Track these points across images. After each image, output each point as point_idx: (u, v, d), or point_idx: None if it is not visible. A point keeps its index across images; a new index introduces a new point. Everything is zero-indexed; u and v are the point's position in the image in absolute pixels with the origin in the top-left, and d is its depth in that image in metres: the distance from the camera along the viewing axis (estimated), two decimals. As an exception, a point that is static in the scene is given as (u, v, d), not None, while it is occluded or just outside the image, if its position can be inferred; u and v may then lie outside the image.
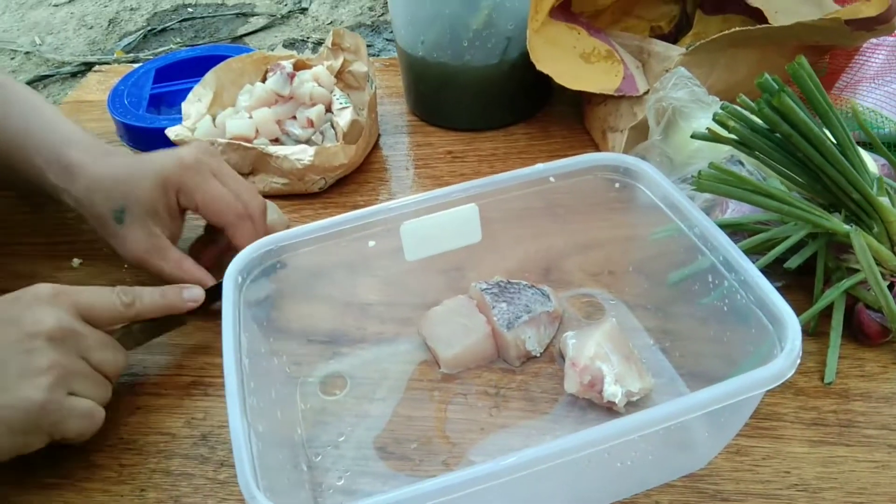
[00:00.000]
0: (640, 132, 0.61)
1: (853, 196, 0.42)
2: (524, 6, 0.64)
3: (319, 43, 1.61)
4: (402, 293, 0.52)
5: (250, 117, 0.67)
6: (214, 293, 0.51)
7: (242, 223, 0.52)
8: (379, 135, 0.75)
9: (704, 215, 0.42)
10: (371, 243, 0.46)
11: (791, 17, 0.64)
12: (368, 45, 1.56)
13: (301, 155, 0.63)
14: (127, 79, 0.80)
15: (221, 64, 0.72)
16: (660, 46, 0.64)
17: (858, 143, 0.58)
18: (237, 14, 1.70)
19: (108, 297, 0.46)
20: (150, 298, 0.48)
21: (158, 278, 0.52)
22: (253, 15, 1.70)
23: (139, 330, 0.49)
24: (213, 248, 0.57)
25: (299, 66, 0.72)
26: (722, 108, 0.45)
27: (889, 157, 0.49)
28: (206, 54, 0.84)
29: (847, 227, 0.43)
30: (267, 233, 0.49)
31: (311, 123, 0.68)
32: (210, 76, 0.71)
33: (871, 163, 0.48)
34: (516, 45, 0.68)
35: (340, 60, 0.74)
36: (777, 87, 0.41)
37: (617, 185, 0.48)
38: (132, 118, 0.74)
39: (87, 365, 0.43)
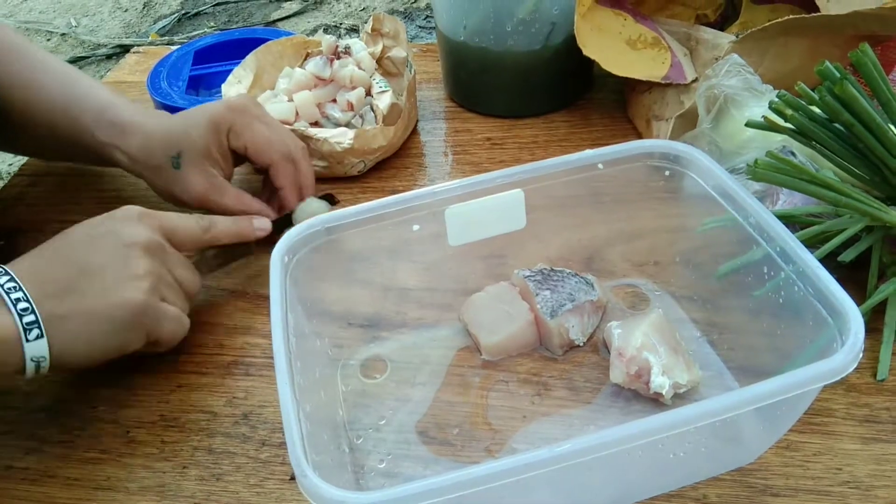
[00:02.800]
0: (687, 121, 0.60)
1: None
2: (571, -9, 0.62)
3: (353, 29, 1.61)
4: (443, 279, 0.51)
5: (290, 100, 0.67)
6: (277, 226, 0.56)
7: (286, 163, 0.57)
8: (417, 120, 0.74)
9: (760, 204, 0.41)
10: (415, 227, 0.46)
11: (845, 7, 0.62)
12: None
13: (341, 138, 0.63)
14: (165, 60, 0.81)
15: (261, 47, 0.72)
16: (708, 34, 0.63)
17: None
18: (270, 0, 1.70)
19: (188, 221, 0.51)
20: (224, 224, 0.53)
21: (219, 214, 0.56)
22: (286, 0, 1.70)
23: (213, 256, 0.55)
24: (264, 190, 0.61)
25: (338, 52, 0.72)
26: (778, 96, 0.44)
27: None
28: (244, 37, 0.84)
29: (908, 221, 0.41)
30: (307, 175, 0.58)
31: (350, 107, 0.67)
32: (250, 58, 0.71)
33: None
34: (561, 30, 0.66)
35: (380, 46, 0.74)
36: (839, 74, 0.40)
37: (667, 172, 0.47)
38: (172, 99, 0.74)
39: (173, 278, 0.48)
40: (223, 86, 0.69)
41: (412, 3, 1.78)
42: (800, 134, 0.43)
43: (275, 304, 0.39)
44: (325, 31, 1.59)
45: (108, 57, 1.71)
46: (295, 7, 1.67)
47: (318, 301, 0.48)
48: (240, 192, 0.58)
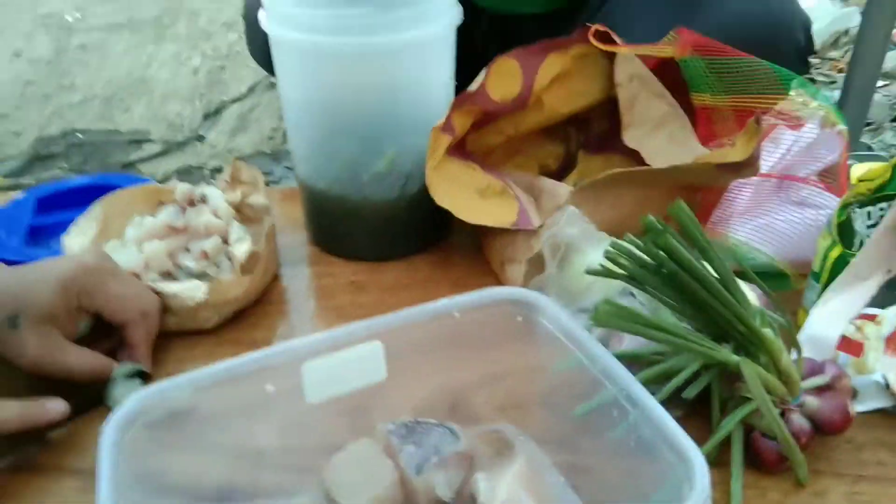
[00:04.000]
0: (538, 263, 0.63)
1: (739, 328, 0.44)
2: (424, 146, 0.66)
3: (217, 170, 1.60)
4: (303, 437, 0.49)
5: (140, 251, 0.64)
6: (83, 404, 0.53)
7: (140, 321, 0.57)
8: (279, 266, 0.73)
9: (603, 348, 0.43)
10: (269, 387, 0.44)
11: (665, 160, 0.70)
12: (268, 174, 1.57)
13: (193, 292, 0.60)
14: (3, 209, 0.76)
15: (109, 195, 0.69)
16: (549, 184, 0.68)
17: (735, 273, 0.62)
18: (130, 141, 1.67)
19: None
20: (7, 412, 0.48)
21: (59, 377, 0.53)
22: (147, 141, 1.68)
23: None
24: (106, 342, 0.58)
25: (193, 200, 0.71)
26: (612, 245, 0.47)
27: (762, 286, 0.53)
28: (93, 184, 0.80)
29: (736, 357, 0.45)
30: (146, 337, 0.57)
31: (205, 256, 0.65)
32: (96, 208, 0.68)
33: (751, 293, 0.52)
34: (415, 180, 0.70)
35: (239, 193, 0.73)
36: (661, 227, 0.44)
37: (519, 318, 0.49)
38: (7, 252, 0.69)
39: None
40: (64, 237, 0.65)
41: (280, 144, 1.82)
42: (633, 280, 0.47)
43: (104, 485, 0.35)
44: (189, 172, 1.57)
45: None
46: (156, 148, 1.65)
47: (159, 475, 0.43)
48: (82, 351, 0.55)
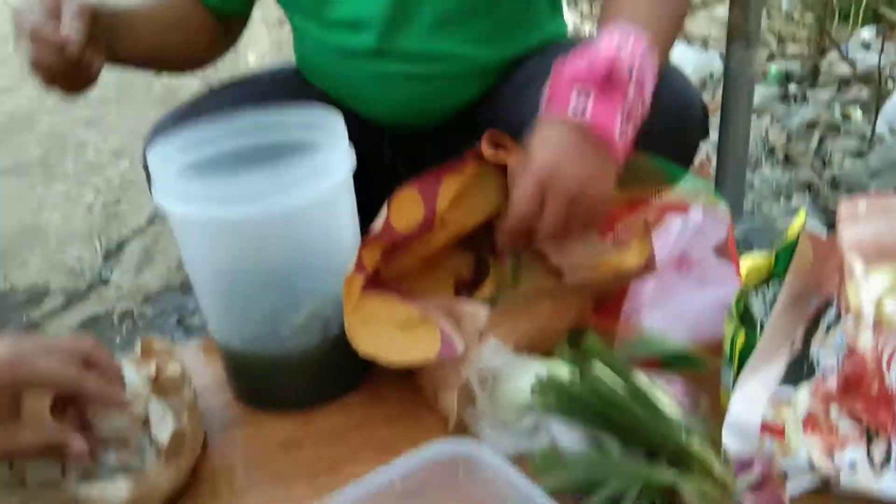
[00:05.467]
0: (468, 391, 0.63)
1: (670, 447, 0.46)
2: (340, 289, 0.66)
3: (126, 314, 1.54)
4: None
5: (53, 457, 0.60)
6: None
7: (90, 377, 0.55)
8: (205, 436, 0.70)
9: (540, 491, 0.43)
10: None
11: (568, 256, 0.73)
12: (180, 312, 1.52)
13: (116, 492, 0.57)
14: None
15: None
16: (467, 307, 0.69)
17: (652, 365, 0.65)
18: (28, 299, 1.59)
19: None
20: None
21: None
22: (47, 295, 1.60)
23: None
24: (72, 408, 0.57)
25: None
26: (538, 382, 0.48)
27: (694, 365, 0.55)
28: None
29: (673, 477, 0.46)
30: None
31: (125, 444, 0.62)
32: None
33: (667, 400, 0.54)
34: (335, 322, 0.69)
35: (153, 366, 0.71)
36: (581, 371, 0.45)
37: (461, 472, 0.49)
38: None
39: None
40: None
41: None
42: (564, 412, 0.48)
43: None
44: (96, 322, 1.51)
45: None
46: (59, 301, 1.58)
47: None
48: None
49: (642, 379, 0.52)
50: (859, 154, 1.74)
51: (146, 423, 0.65)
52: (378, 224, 0.69)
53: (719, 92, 2.42)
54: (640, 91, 0.65)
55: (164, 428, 0.63)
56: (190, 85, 2.86)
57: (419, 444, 0.64)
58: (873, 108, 1.93)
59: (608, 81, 0.63)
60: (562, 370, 0.53)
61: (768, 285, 0.61)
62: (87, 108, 2.74)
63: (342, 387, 0.73)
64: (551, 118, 0.66)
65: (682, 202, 0.75)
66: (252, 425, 0.71)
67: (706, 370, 0.68)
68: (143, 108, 2.69)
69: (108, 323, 1.52)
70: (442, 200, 0.74)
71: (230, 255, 0.64)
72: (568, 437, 0.54)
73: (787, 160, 1.85)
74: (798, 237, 0.60)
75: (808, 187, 1.68)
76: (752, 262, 0.61)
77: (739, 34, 1.13)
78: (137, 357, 0.71)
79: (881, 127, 1.86)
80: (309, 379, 0.71)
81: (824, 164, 1.77)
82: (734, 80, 1.22)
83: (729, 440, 0.55)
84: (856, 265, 0.54)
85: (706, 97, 2.47)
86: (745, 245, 0.83)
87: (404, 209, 0.71)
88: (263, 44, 3.34)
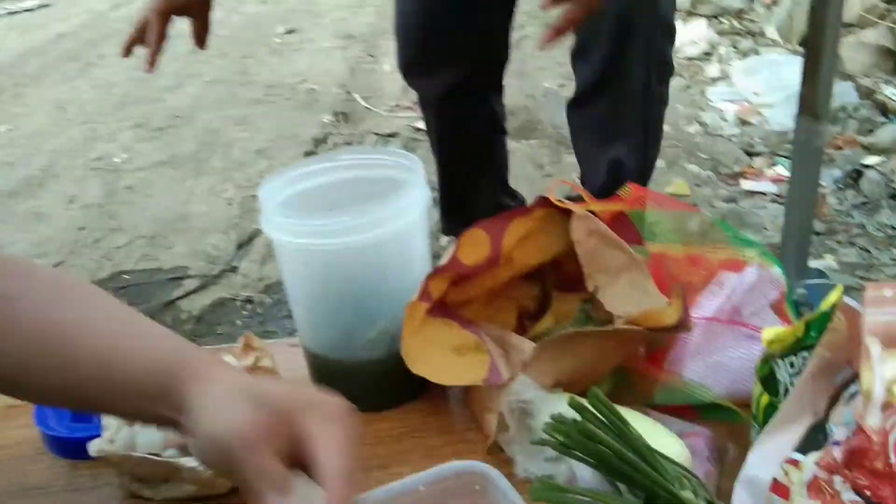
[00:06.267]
0: (504, 416, 0.71)
1: (662, 495, 0.51)
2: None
3: (248, 301, 1.73)
4: None
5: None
6: None
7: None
8: (287, 423, 0.82)
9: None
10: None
11: (626, 304, 0.78)
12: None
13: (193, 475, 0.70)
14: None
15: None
16: (516, 339, 0.76)
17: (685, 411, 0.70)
18: (171, 278, 1.83)
19: None
20: None
21: None
22: (186, 277, 1.84)
23: None
24: None
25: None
26: (547, 423, 0.55)
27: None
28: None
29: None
30: None
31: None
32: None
33: (678, 445, 0.59)
34: (401, 340, 0.79)
35: (252, 358, 0.84)
36: (582, 416, 0.52)
37: (477, 486, 0.57)
38: (55, 429, 0.79)
39: None
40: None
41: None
42: (569, 451, 0.54)
43: None
44: (223, 305, 1.71)
45: None
46: (195, 284, 1.80)
47: None
48: None
49: (650, 424, 0.57)
50: None
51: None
52: (444, 260, 0.78)
53: (849, 126, 2.30)
54: None
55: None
56: (330, 91, 3.10)
57: (461, 455, 0.74)
58: None
59: None
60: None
61: (796, 354, 0.63)
62: (238, 108, 3.04)
63: (403, 396, 0.83)
64: None
65: (739, 261, 0.79)
66: (326, 420, 0.82)
67: (739, 422, 0.71)
68: (286, 111, 2.95)
69: (233, 306, 1.72)
70: (508, 240, 0.82)
71: (319, 279, 0.76)
72: (584, 470, 0.60)
73: (912, 207, 1.74)
74: (832, 309, 0.62)
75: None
76: (773, 335, 0.64)
77: (809, 108, 1.11)
78: (240, 349, 0.85)
79: None
80: (375, 385, 0.81)
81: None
82: (801, 151, 1.19)
83: (739, 494, 0.60)
84: (873, 348, 0.56)
85: (835, 130, 2.33)
86: (805, 306, 0.84)
87: (472, 246, 0.80)
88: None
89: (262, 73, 3.38)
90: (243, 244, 2.01)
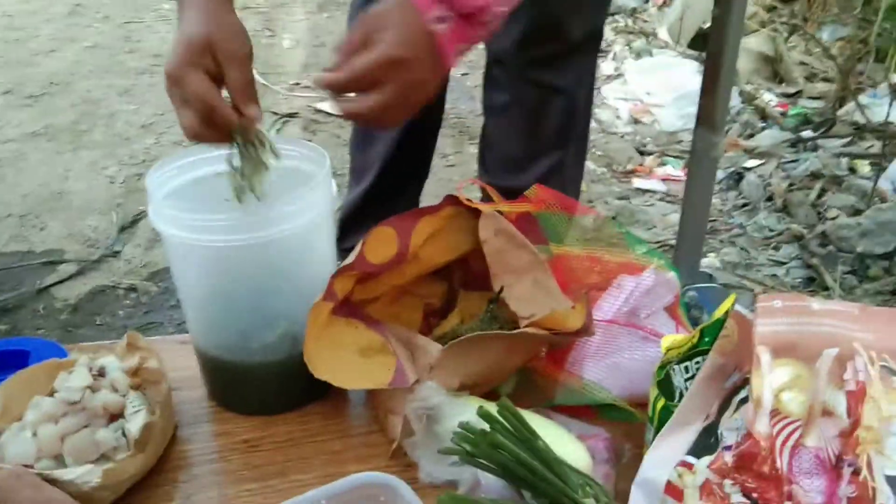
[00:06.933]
0: (409, 421, 0.70)
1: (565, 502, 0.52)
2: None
3: (131, 289, 1.62)
4: None
5: (34, 436, 0.67)
6: None
7: None
8: (176, 427, 0.77)
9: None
10: None
11: (530, 304, 0.79)
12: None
13: (88, 476, 0.64)
14: None
15: (10, 378, 0.73)
16: (422, 341, 0.75)
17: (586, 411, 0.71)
18: (45, 262, 1.68)
19: None
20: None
21: None
22: (62, 262, 1.69)
23: None
24: None
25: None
26: (455, 433, 0.54)
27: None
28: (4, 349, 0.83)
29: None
30: None
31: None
32: (-2, 391, 0.71)
33: (580, 451, 0.60)
34: (302, 342, 0.76)
35: (136, 358, 0.78)
36: (490, 427, 0.51)
37: (382, 498, 0.55)
38: None
39: None
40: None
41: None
42: (476, 462, 0.54)
43: None
44: (103, 293, 1.59)
45: None
46: (71, 269, 1.66)
47: None
48: None
49: (555, 430, 0.58)
50: (857, 211, 1.77)
51: (122, 415, 0.72)
52: (351, 259, 0.75)
53: (732, 130, 2.44)
54: (489, 34, 0.69)
55: (136, 419, 0.70)
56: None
57: (365, 461, 0.72)
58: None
59: (469, 19, 0.67)
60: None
61: (691, 360, 0.66)
62: (122, 77, 2.83)
63: (304, 398, 0.80)
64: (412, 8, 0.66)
65: (637, 265, 0.81)
66: (219, 423, 0.78)
67: (636, 422, 0.73)
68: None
69: (115, 295, 1.60)
70: (416, 238, 0.81)
71: (211, 276, 0.71)
72: (489, 477, 0.60)
73: (785, 209, 1.88)
74: (725, 317, 0.65)
75: (798, 239, 1.71)
76: (671, 341, 0.66)
77: (707, 120, 1.17)
78: (123, 349, 0.79)
79: (885, 184, 1.88)
80: (274, 388, 0.78)
81: (819, 217, 1.80)
82: (698, 161, 1.24)
83: (636, 496, 0.62)
84: (763, 357, 0.59)
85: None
86: (696, 309, 0.88)
87: (379, 244, 0.78)
88: (300, 28, 3.41)
89: (149, 41, 3.16)
90: (126, 227, 1.88)
